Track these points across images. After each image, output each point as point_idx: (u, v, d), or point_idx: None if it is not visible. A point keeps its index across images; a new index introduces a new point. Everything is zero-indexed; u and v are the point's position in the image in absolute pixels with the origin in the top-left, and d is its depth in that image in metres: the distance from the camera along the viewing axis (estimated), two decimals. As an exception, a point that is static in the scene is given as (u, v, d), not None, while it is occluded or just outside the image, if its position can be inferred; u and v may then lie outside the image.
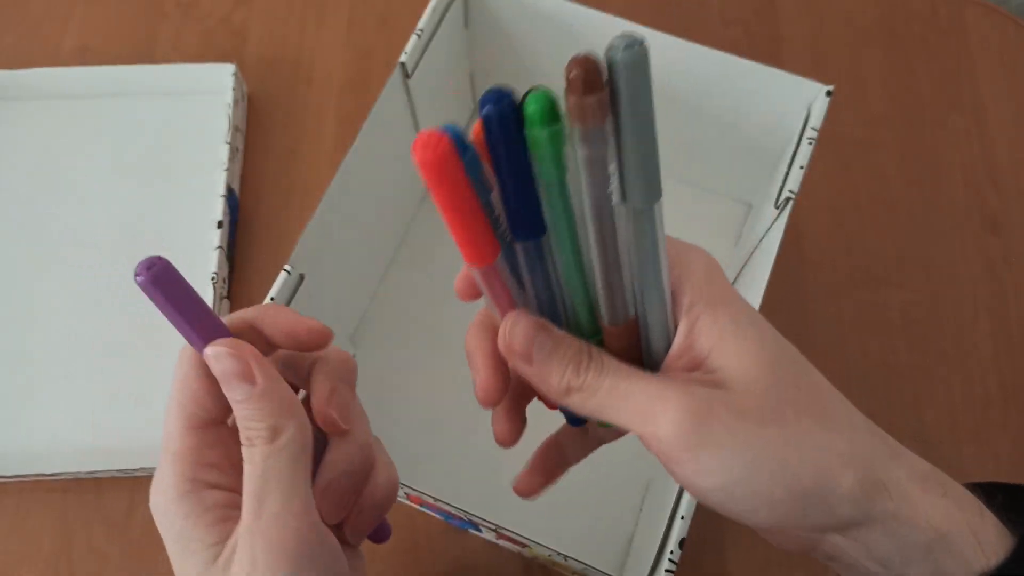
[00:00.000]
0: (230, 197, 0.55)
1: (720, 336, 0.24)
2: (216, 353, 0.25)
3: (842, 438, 0.24)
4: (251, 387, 0.25)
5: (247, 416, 0.25)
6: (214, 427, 0.27)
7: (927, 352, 0.55)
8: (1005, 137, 0.61)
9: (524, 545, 0.41)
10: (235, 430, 0.26)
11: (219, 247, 0.53)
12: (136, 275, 0.24)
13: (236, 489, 0.26)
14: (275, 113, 0.62)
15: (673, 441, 0.23)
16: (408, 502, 0.48)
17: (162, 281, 0.24)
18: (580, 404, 0.25)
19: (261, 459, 0.24)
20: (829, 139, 0.60)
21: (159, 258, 0.24)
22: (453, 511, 0.39)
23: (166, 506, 0.26)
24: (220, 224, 0.53)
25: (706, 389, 0.24)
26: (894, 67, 0.63)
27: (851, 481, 0.23)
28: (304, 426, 0.25)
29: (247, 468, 0.24)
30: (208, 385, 0.26)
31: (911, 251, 0.58)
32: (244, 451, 0.25)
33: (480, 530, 0.46)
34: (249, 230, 0.57)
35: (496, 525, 0.38)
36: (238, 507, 0.25)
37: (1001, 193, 0.59)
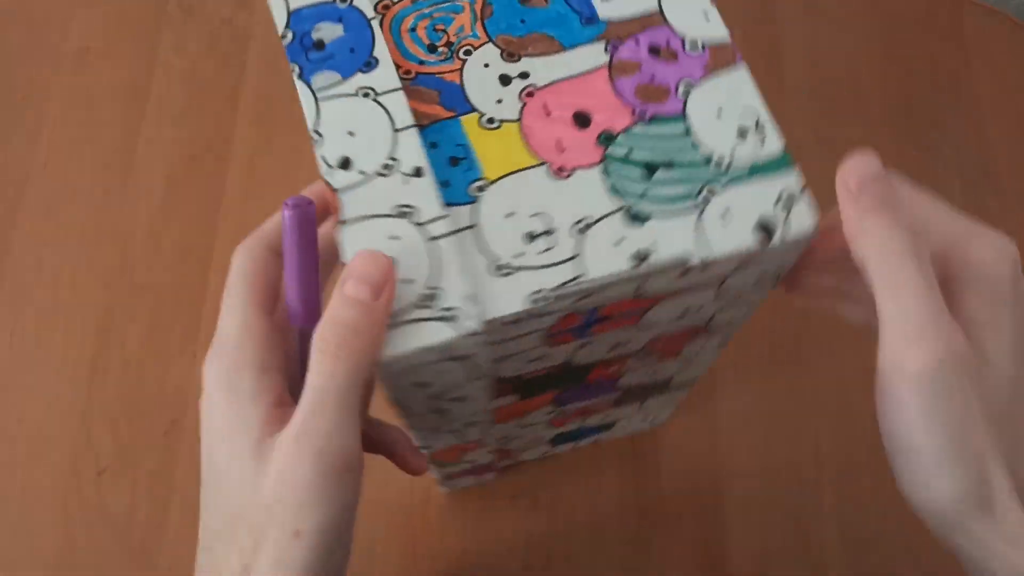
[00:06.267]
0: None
1: (1000, 325, 0.25)
2: (374, 256, 0.25)
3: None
4: (375, 301, 0.25)
5: (345, 322, 0.24)
6: (271, 317, 0.28)
7: (926, 352, 0.55)
8: (1003, 139, 0.61)
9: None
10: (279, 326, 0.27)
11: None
12: (285, 207, 0.27)
13: (285, 382, 0.27)
14: (278, 114, 0.62)
15: (915, 374, 0.23)
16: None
17: (304, 223, 0.27)
18: (873, 256, 0.25)
19: (326, 368, 0.24)
20: (828, 140, 0.61)
21: (310, 201, 0.27)
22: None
23: (232, 382, 0.26)
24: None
25: (970, 347, 0.24)
26: (893, 69, 0.63)
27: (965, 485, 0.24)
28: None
29: (313, 377, 0.25)
30: (275, 276, 0.28)
31: (910, 252, 0.58)
32: (316, 357, 0.25)
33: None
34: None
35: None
36: (287, 404, 0.26)
37: (999, 195, 0.59)
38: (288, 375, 0.28)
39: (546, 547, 0.50)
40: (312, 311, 0.27)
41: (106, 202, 0.59)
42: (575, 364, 0.33)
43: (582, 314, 0.28)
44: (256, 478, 0.25)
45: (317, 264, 0.27)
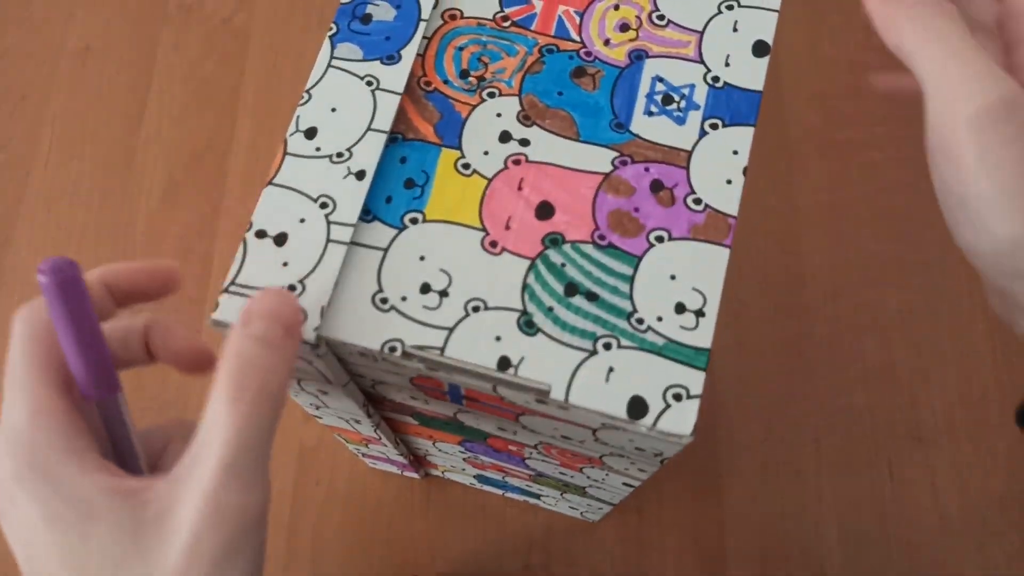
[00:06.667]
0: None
1: None
2: (283, 293, 0.24)
3: None
4: (285, 341, 0.23)
5: (261, 365, 0.22)
6: (69, 393, 0.24)
7: (925, 351, 0.55)
8: (1002, 138, 0.61)
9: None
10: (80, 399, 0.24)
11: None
12: (40, 274, 0.22)
13: (103, 456, 0.24)
14: (278, 114, 0.62)
15: (971, 120, 0.23)
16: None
17: (68, 288, 0.22)
18: (906, 28, 0.26)
19: (243, 418, 0.21)
20: (828, 140, 0.61)
21: (70, 262, 0.22)
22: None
23: (42, 476, 0.22)
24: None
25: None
26: (892, 68, 0.63)
27: None
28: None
29: (224, 430, 0.22)
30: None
31: (909, 251, 0.58)
32: (223, 406, 0.22)
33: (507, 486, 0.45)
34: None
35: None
36: (122, 475, 0.23)
37: (998, 194, 0.59)
38: (103, 450, 0.24)
39: (546, 547, 0.50)
40: (105, 380, 0.24)
41: (106, 201, 0.59)
42: (467, 424, 0.33)
43: (443, 382, 0.27)
44: (144, 558, 0.21)
45: (97, 327, 0.23)
